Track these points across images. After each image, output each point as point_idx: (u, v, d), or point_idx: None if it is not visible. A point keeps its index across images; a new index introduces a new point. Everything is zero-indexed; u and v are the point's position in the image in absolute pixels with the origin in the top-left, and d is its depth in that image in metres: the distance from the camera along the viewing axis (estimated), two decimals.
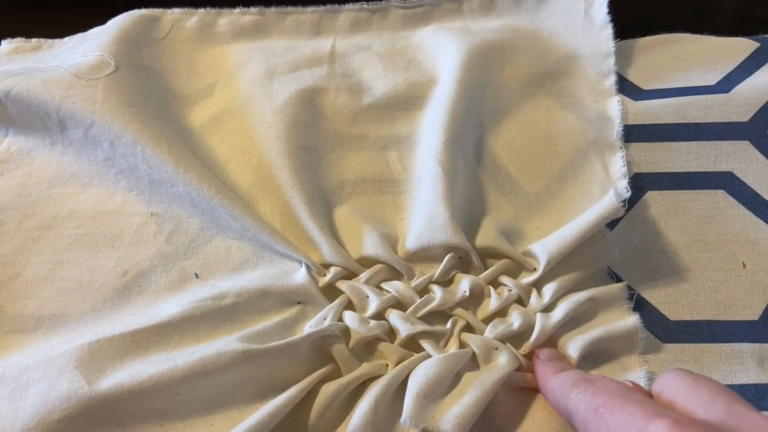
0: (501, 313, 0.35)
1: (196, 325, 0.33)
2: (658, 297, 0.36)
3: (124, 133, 0.38)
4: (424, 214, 0.37)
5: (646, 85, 0.45)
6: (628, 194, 0.35)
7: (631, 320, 0.34)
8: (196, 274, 0.36)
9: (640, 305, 0.35)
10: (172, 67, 0.46)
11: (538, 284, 0.35)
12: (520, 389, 0.32)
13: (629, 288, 0.35)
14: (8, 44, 0.48)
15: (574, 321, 0.34)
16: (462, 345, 0.33)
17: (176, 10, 0.49)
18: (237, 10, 0.49)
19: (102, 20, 0.47)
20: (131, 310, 0.35)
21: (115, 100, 0.39)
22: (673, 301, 0.36)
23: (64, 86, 0.39)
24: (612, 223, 0.37)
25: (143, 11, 0.47)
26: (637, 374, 0.33)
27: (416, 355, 0.32)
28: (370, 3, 0.49)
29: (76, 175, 0.40)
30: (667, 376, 0.26)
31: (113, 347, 0.31)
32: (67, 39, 0.48)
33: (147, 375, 0.30)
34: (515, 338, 0.34)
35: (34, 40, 0.48)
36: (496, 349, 0.33)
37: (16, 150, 0.41)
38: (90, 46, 0.43)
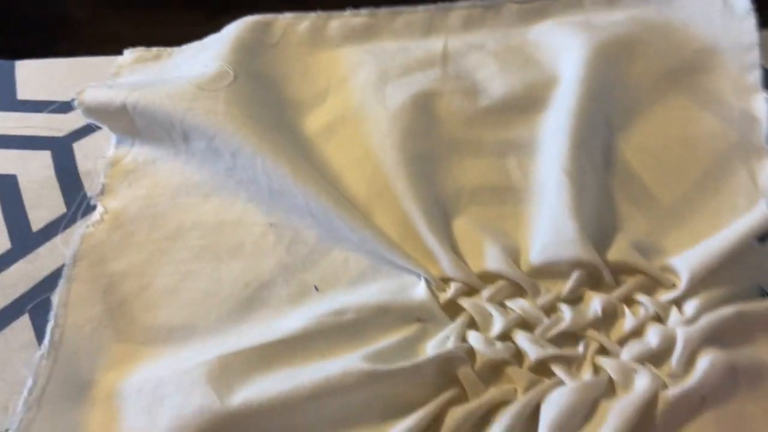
0: (637, 333, 0.32)
1: (319, 340, 0.33)
2: None
3: (245, 145, 0.38)
4: (550, 227, 0.35)
5: None
6: None
7: None
8: (315, 286, 0.36)
9: None
10: (286, 73, 0.46)
11: (678, 302, 0.32)
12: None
13: None
14: (130, 54, 0.50)
15: (720, 339, 0.31)
16: (596, 369, 0.31)
17: (288, 15, 0.49)
18: (347, 12, 0.49)
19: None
20: (255, 323, 0.35)
21: (236, 111, 0.39)
22: None
23: (187, 98, 0.40)
24: (763, 237, 0.34)
25: (256, 17, 0.48)
26: None
27: (547, 382, 0.31)
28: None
29: (198, 185, 0.41)
30: None
31: (240, 362, 0.32)
32: (185, 47, 0.49)
33: (275, 392, 0.30)
34: (655, 359, 0.31)
35: (154, 50, 0.50)
36: (635, 372, 0.30)
37: (143, 161, 0.43)
38: (209, 56, 0.44)
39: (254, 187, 0.39)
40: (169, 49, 0.50)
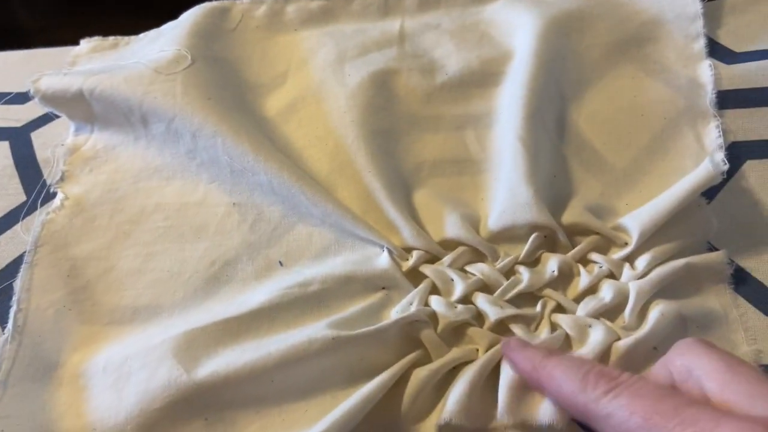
0: (592, 290, 0.33)
1: (285, 312, 0.33)
2: (763, 270, 0.34)
3: (205, 126, 0.38)
4: (506, 193, 0.36)
5: (740, 48, 0.42)
6: (726, 167, 0.33)
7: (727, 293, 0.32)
8: (280, 261, 0.36)
9: (743, 280, 0.33)
10: (245, 57, 0.46)
11: (630, 258, 0.34)
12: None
13: (730, 260, 0.33)
14: (87, 43, 0.50)
15: (670, 292, 0.32)
16: (553, 326, 0.32)
17: (245, 1, 0.49)
18: None
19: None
20: (221, 299, 0.35)
21: (194, 93, 0.39)
22: None
23: (144, 82, 0.40)
24: (710, 195, 0.35)
25: (214, 3, 0.48)
26: (739, 350, 0.31)
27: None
28: None
29: (160, 169, 0.41)
30: (693, 355, 0.24)
31: (207, 336, 0.32)
32: (142, 35, 0.49)
33: (242, 363, 0.30)
34: (610, 313, 0.32)
35: (111, 38, 0.50)
36: (590, 326, 0.31)
37: (102, 147, 0.43)
38: (166, 42, 0.44)
39: (216, 168, 0.40)
40: (126, 38, 0.50)
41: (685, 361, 0.24)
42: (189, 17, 0.47)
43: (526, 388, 0.29)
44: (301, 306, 0.33)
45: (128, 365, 0.32)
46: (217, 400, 0.30)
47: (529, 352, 0.28)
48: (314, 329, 0.31)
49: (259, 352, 0.30)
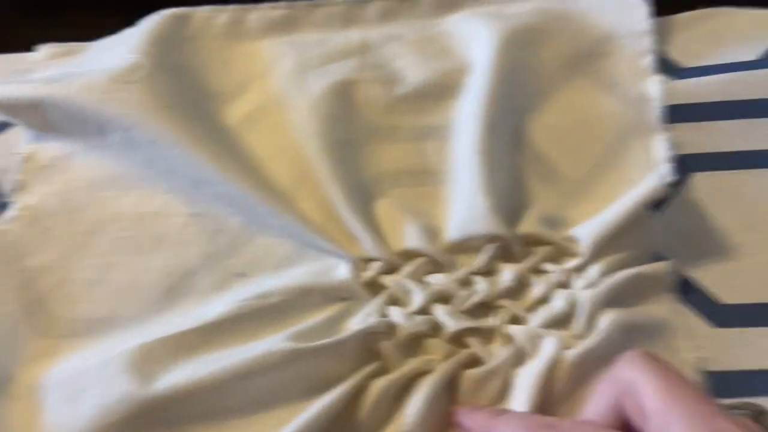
0: (545, 299, 0.34)
1: (243, 324, 0.33)
2: (708, 281, 0.35)
3: (163, 135, 0.38)
4: (464, 204, 0.36)
5: (687, 63, 0.43)
6: (671, 179, 0.35)
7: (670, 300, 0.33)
8: (239, 273, 0.36)
9: (689, 289, 0.35)
10: (205, 65, 0.46)
11: (582, 268, 0.35)
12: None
13: (676, 270, 0.35)
14: (43, 50, 0.49)
15: (619, 301, 0.33)
16: (507, 338, 0.33)
17: (205, 8, 0.49)
18: (266, 5, 0.49)
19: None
20: (179, 311, 0.35)
21: (153, 102, 0.39)
22: (722, 285, 0.35)
23: (101, 90, 0.40)
24: (659, 207, 0.37)
25: (173, 11, 0.47)
26: (683, 357, 0.32)
27: (463, 352, 0.32)
28: None
29: (116, 179, 0.40)
30: (637, 371, 0.25)
31: (164, 348, 0.32)
32: (100, 42, 0.48)
33: (200, 375, 0.30)
34: (561, 322, 0.33)
35: (68, 45, 0.49)
36: (541, 338, 0.32)
37: (58, 156, 0.42)
38: (124, 49, 0.43)
39: (174, 178, 0.39)
40: (83, 44, 0.49)
41: (630, 375, 0.25)
42: (148, 24, 0.46)
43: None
44: (260, 318, 0.33)
45: (84, 379, 0.31)
46: (175, 413, 0.30)
47: (479, 415, 0.29)
48: (273, 341, 0.31)
49: (218, 365, 0.30)
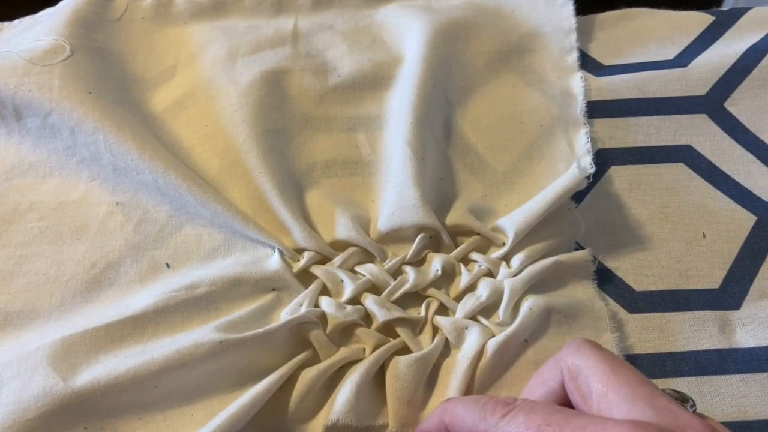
0: (472, 288, 0.35)
1: (171, 315, 0.33)
2: (624, 269, 0.37)
3: (85, 121, 0.37)
4: (394, 195, 0.37)
5: (607, 61, 0.45)
6: (592, 170, 0.36)
7: (591, 289, 0.35)
8: (167, 263, 0.36)
9: (607, 277, 0.37)
10: (130, 49, 0.44)
11: (507, 258, 0.36)
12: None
13: (594, 258, 0.36)
14: None
15: (541, 287, 0.35)
16: (435, 328, 0.34)
17: None
18: None
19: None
20: (102, 303, 0.34)
21: (73, 86, 0.38)
22: (638, 273, 0.37)
23: (18, 73, 0.38)
24: (578, 198, 0.38)
25: None
26: (604, 341, 0.34)
27: (393, 342, 0.33)
28: None
29: (35, 166, 0.39)
30: (582, 356, 0.26)
31: (86, 342, 0.31)
32: (16, 22, 0.46)
33: (124, 369, 0.29)
34: (487, 310, 0.34)
35: None
36: (466, 329, 0.33)
37: None
38: (43, 30, 0.41)
39: (97, 166, 0.38)
40: None
41: (576, 360, 0.26)
42: (68, 4, 0.44)
43: (413, 402, 0.31)
44: (188, 309, 0.33)
45: (0, 374, 0.30)
46: (98, 408, 0.29)
47: (439, 412, 0.28)
48: (201, 333, 0.31)
49: (143, 358, 0.30)
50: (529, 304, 0.33)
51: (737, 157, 0.41)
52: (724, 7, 0.49)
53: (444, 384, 0.32)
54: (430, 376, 0.32)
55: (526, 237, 0.35)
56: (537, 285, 0.34)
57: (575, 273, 0.35)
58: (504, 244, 0.36)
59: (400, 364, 0.32)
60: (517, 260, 0.35)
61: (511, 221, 0.35)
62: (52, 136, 0.38)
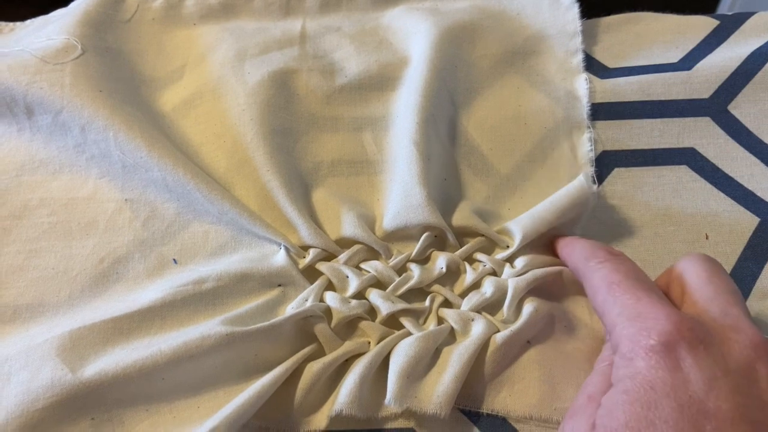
0: (476, 286, 0.36)
1: (178, 310, 0.33)
2: None
3: (95, 119, 0.37)
4: (400, 194, 0.37)
5: (612, 64, 0.46)
6: (595, 187, 0.36)
7: None
8: (174, 259, 0.36)
9: None
10: (140, 49, 0.45)
11: (510, 259, 0.36)
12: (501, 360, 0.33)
13: None
14: None
15: (542, 292, 0.35)
16: (440, 320, 0.34)
17: None
18: None
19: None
20: (110, 298, 0.34)
21: (84, 84, 0.38)
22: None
23: (30, 71, 0.38)
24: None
25: None
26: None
27: (397, 333, 0.33)
28: None
29: (45, 162, 0.39)
30: (691, 261, 0.29)
31: (94, 334, 0.31)
32: (28, 22, 0.47)
33: (131, 361, 0.30)
34: (491, 307, 0.35)
35: None
36: (472, 320, 0.34)
37: None
38: (54, 30, 0.42)
39: (107, 163, 0.38)
40: (11, 24, 0.47)
41: (684, 262, 0.30)
42: (80, 5, 0.45)
43: (413, 376, 0.31)
44: (195, 304, 0.33)
45: (9, 365, 0.30)
46: (105, 399, 0.30)
47: (568, 238, 0.35)
48: (208, 326, 0.31)
49: (150, 350, 0.30)
50: (533, 305, 0.33)
51: (740, 159, 0.41)
52: (720, 12, 0.50)
53: (444, 362, 0.32)
54: (432, 357, 0.32)
55: (531, 242, 0.36)
56: (540, 288, 0.35)
57: (573, 284, 0.35)
58: (509, 246, 0.36)
59: (404, 342, 0.32)
60: (521, 262, 0.35)
61: (519, 225, 0.36)
62: (63, 134, 0.39)
